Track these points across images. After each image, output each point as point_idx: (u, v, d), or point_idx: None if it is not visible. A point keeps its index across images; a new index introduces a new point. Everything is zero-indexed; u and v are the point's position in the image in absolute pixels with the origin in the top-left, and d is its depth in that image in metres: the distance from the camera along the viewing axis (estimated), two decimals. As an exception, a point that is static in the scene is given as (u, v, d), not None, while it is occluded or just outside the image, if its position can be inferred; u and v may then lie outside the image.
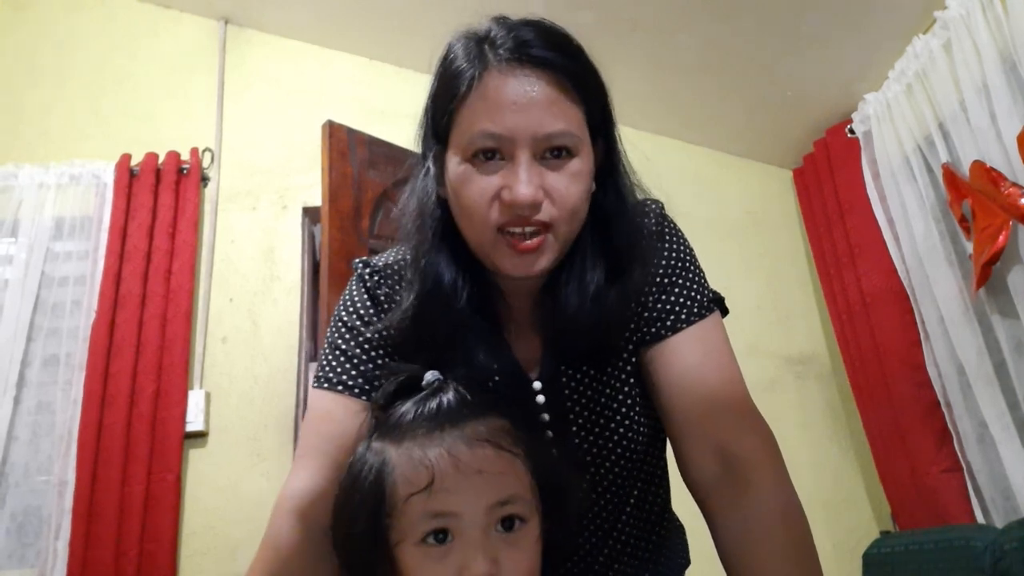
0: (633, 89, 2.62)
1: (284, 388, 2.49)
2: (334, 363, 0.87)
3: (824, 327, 2.77)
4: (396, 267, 0.90)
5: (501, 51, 0.76)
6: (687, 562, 1.00)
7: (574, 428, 0.86)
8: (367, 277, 0.90)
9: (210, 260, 2.62)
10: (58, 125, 2.75)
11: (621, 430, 0.86)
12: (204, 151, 2.72)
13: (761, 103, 2.71)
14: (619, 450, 0.86)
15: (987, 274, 2.00)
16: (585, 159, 0.78)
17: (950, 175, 2.13)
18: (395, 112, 2.66)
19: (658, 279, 0.87)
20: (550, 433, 0.86)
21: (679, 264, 0.88)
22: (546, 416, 0.86)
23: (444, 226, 0.82)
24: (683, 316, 0.85)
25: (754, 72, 2.58)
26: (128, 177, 2.57)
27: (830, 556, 2.27)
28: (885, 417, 2.36)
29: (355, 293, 0.91)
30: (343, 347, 0.88)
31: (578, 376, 0.86)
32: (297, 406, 2.47)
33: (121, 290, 2.42)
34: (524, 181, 0.73)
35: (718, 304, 0.90)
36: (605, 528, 0.89)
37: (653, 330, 0.86)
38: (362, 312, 0.88)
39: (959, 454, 2.16)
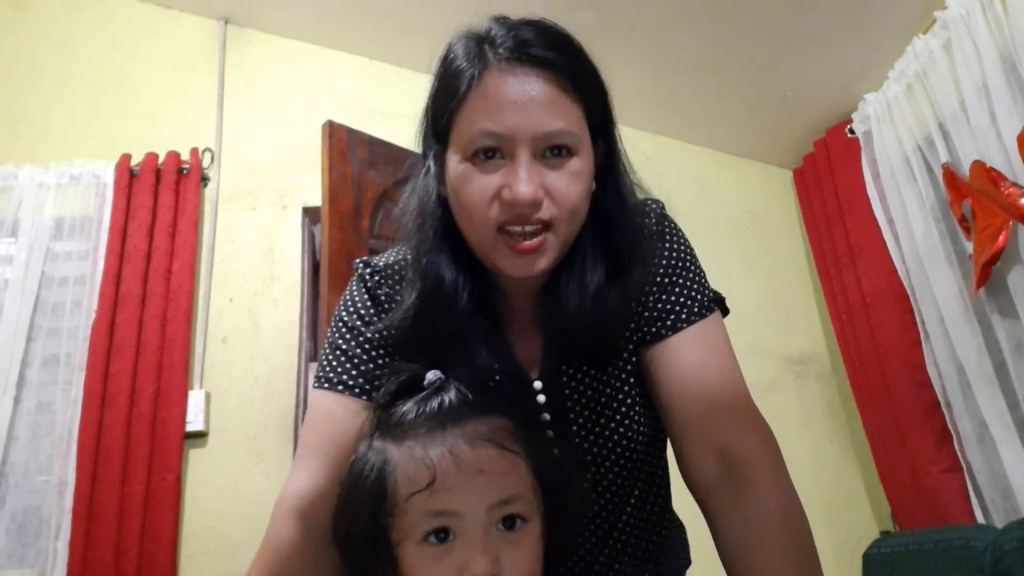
0: (633, 89, 2.63)
1: (284, 388, 2.49)
2: (335, 363, 0.87)
3: (824, 327, 2.77)
4: (397, 267, 0.90)
5: (501, 50, 0.76)
6: (688, 562, 1.00)
7: (574, 428, 0.86)
8: (368, 277, 0.90)
9: (210, 260, 2.62)
10: (58, 125, 2.75)
11: (621, 430, 0.86)
12: (204, 151, 2.72)
13: (761, 103, 2.71)
14: (619, 450, 0.86)
15: (987, 274, 2.00)
16: (585, 158, 0.78)
17: (950, 175, 2.13)
18: (395, 112, 2.66)
19: (659, 279, 0.87)
20: (550, 433, 0.86)
21: (680, 264, 0.88)
22: (547, 416, 0.86)
23: (445, 225, 0.82)
24: (683, 316, 0.85)
25: (754, 72, 2.58)
26: (128, 177, 2.57)
27: (830, 556, 2.27)
28: (885, 417, 2.36)
29: (356, 293, 0.91)
30: (344, 347, 0.88)
31: (579, 376, 0.86)
32: (297, 406, 2.47)
33: (121, 290, 2.42)
34: (524, 180, 0.73)
35: (719, 304, 0.90)
36: (606, 528, 0.89)
37: (654, 330, 0.86)
38: (363, 312, 0.88)
39: (959, 454, 2.16)
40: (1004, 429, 1.99)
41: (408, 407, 0.72)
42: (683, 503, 0.90)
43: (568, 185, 0.76)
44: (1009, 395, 2.00)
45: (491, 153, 0.75)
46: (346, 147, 2.25)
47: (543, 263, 0.77)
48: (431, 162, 0.83)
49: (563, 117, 0.75)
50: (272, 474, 2.35)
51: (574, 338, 0.83)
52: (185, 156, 2.66)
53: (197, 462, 2.37)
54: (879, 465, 2.42)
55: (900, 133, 2.39)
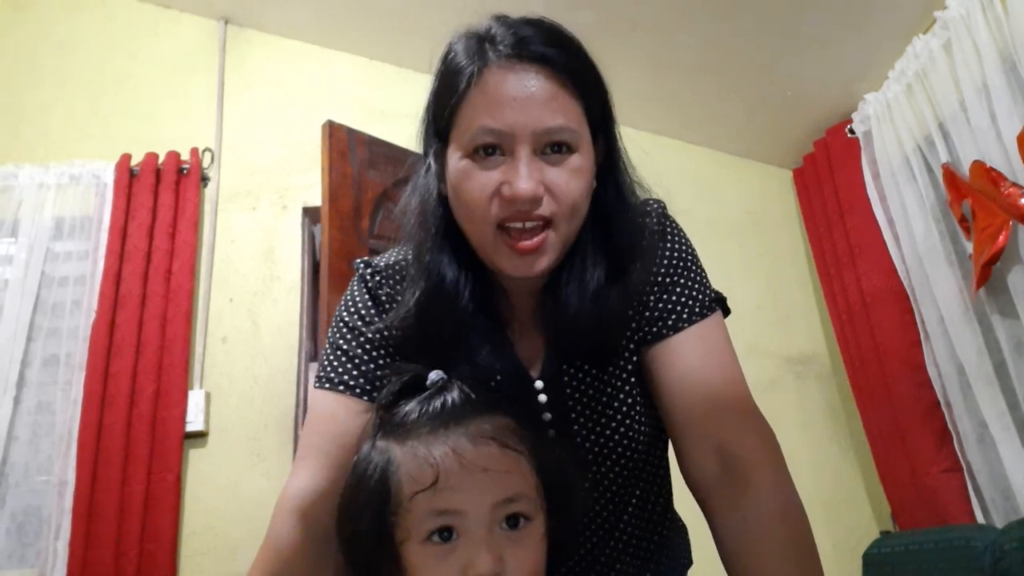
0: (633, 89, 2.63)
1: (284, 388, 2.49)
2: (335, 363, 0.87)
3: (824, 327, 2.77)
4: (398, 267, 0.90)
5: (501, 47, 0.76)
6: (689, 562, 1.00)
7: (576, 427, 0.86)
8: (368, 277, 0.90)
9: (210, 260, 2.62)
10: (58, 125, 2.75)
11: (623, 429, 0.86)
12: (204, 151, 2.72)
13: (761, 103, 2.71)
14: (620, 449, 0.86)
15: (987, 274, 2.00)
16: (585, 155, 0.78)
17: (950, 175, 2.13)
18: (395, 112, 2.66)
19: (660, 278, 0.87)
20: (552, 432, 0.86)
21: (681, 264, 0.88)
22: (548, 415, 0.86)
23: (446, 224, 0.82)
24: (684, 315, 0.85)
25: (754, 72, 2.58)
26: (128, 177, 2.57)
27: (830, 556, 2.26)
28: (885, 417, 2.36)
29: (356, 293, 0.91)
30: (344, 347, 0.88)
31: (580, 376, 0.86)
32: (297, 406, 2.47)
33: (121, 290, 2.42)
34: (524, 176, 0.73)
35: (720, 304, 0.90)
36: (607, 528, 0.89)
37: (655, 329, 0.86)
38: (363, 312, 0.88)
39: (959, 454, 2.16)
40: (1004, 429, 1.99)
41: (411, 407, 0.72)
42: (685, 503, 0.90)
43: (568, 181, 0.76)
44: (1009, 395, 2.00)
45: (491, 150, 0.75)
46: (346, 147, 2.25)
47: (543, 263, 0.77)
48: (432, 160, 0.83)
49: (563, 114, 0.75)
50: (272, 474, 2.35)
51: (575, 338, 0.83)
52: (185, 156, 2.66)
53: (197, 462, 2.37)
54: (879, 465, 2.42)
55: (900, 133, 2.39)
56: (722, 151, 2.99)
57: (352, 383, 0.86)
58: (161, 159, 2.63)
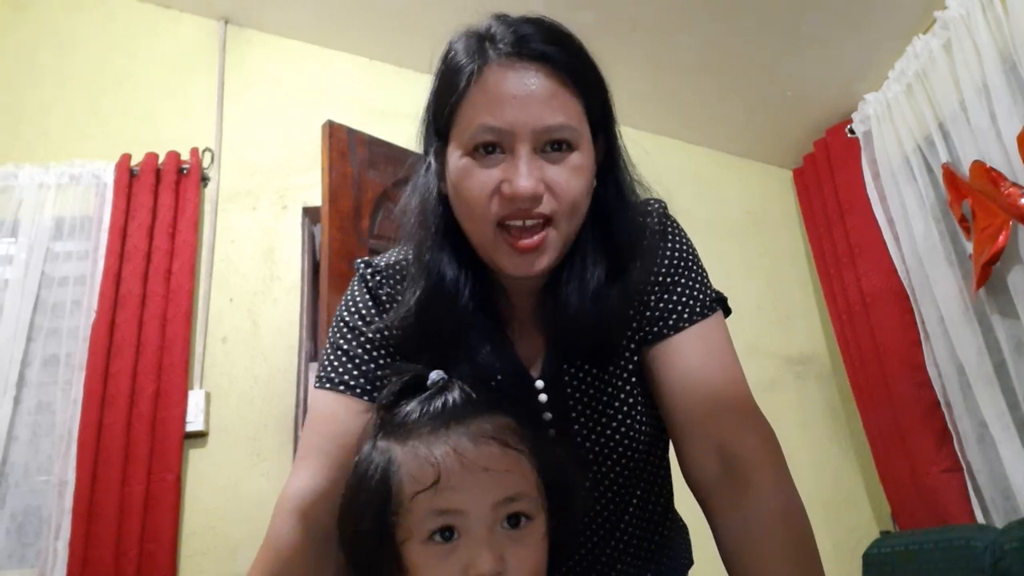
0: (633, 89, 2.62)
1: (284, 388, 2.49)
2: (336, 363, 0.87)
3: (824, 327, 2.77)
4: (398, 267, 0.90)
5: (501, 46, 0.76)
6: (690, 562, 1.00)
7: (576, 427, 0.86)
8: (369, 277, 0.90)
9: (210, 260, 2.62)
10: (58, 125, 2.75)
11: (623, 429, 0.86)
12: (204, 151, 2.72)
13: (761, 103, 2.71)
14: (621, 449, 0.86)
15: (987, 274, 2.00)
16: (585, 153, 0.78)
17: (950, 175, 2.13)
18: (395, 112, 2.66)
19: (661, 278, 0.87)
20: (552, 432, 0.86)
21: (682, 263, 0.88)
22: (548, 415, 0.86)
23: (446, 223, 0.82)
24: (685, 315, 0.85)
25: (754, 72, 2.58)
26: (128, 177, 2.57)
27: (830, 556, 2.26)
28: (885, 417, 2.36)
29: (357, 293, 0.91)
30: (345, 347, 0.88)
31: (580, 375, 0.86)
32: (297, 406, 2.47)
33: (121, 290, 2.42)
34: (524, 174, 0.73)
35: (721, 304, 0.90)
36: (608, 527, 0.89)
37: (655, 329, 0.86)
38: (364, 312, 0.88)
39: (959, 454, 2.16)
40: (1004, 429, 1.99)
41: (412, 407, 0.72)
42: (686, 503, 0.90)
43: (568, 179, 0.76)
44: (1009, 395, 2.00)
45: (491, 148, 0.75)
46: (346, 147, 2.25)
47: (544, 262, 0.77)
48: (432, 159, 0.84)
49: (563, 112, 0.75)
50: (272, 474, 2.35)
51: (575, 337, 0.83)
52: (185, 156, 2.66)
53: (197, 462, 2.37)
54: (879, 465, 2.42)
55: (900, 133, 2.39)
56: (722, 151, 2.99)
57: (352, 383, 0.86)
58: (161, 159, 2.63)
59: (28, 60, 2.83)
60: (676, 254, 0.88)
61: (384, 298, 0.89)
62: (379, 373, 0.85)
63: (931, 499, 2.17)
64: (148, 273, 2.46)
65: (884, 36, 2.34)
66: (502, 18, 0.79)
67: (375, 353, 0.87)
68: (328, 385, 0.87)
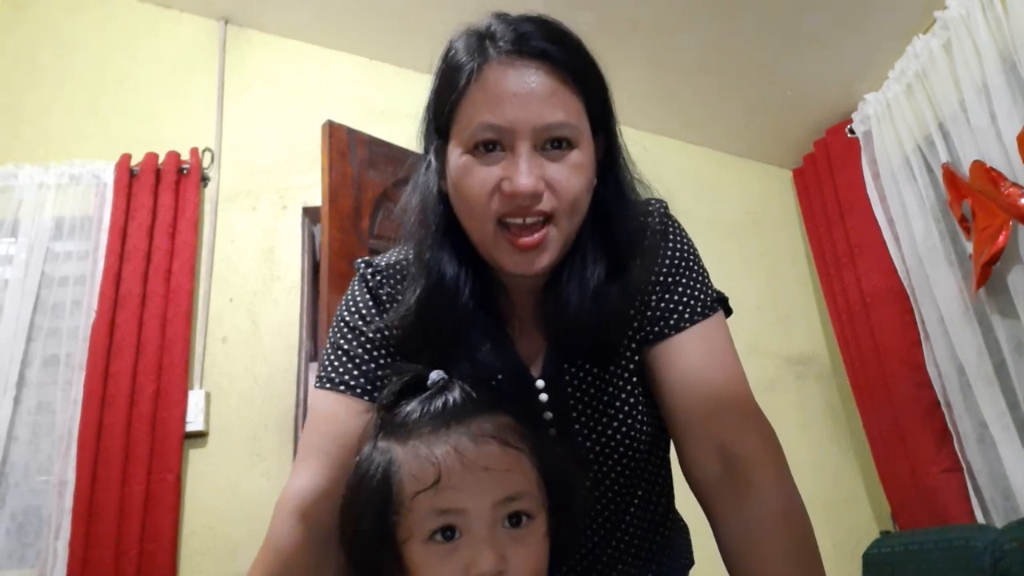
0: (633, 89, 2.62)
1: (284, 388, 2.49)
2: (336, 363, 0.87)
3: (824, 327, 2.77)
4: (399, 267, 0.90)
5: (501, 44, 0.76)
6: (691, 562, 1.00)
7: (577, 427, 0.86)
8: (369, 277, 0.90)
9: (210, 260, 2.62)
10: (58, 125, 2.75)
11: (624, 429, 0.86)
12: (204, 151, 2.72)
13: (761, 103, 2.71)
14: (622, 449, 0.86)
15: (987, 274, 2.00)
16: (586, 151, 0.78)
17: (950, 175, 2.13)
18: (395, 112, 2.66)
19: (662, 278, 0.87)
20: (553, 432, 0.85)
21: (683, 263, 0.88)
22: (549, 414, 0.86)
23: (446, 221, 0.82)
24: (686, 315, 0.85)
25: (754, 72, 2.58)
26: (128, 177, 2.57)
27: (830, 556, 2.24)
28: (885, 417, 2.36)
29: (357, 293, 0.91)
30: (345, 347, 0.88)
31: (581, 375, 0.86)
32: (297, 406, 2.47)
33: (121, 290, 2.42)
34: (524, 172, 0.73)
35: (722, 304, 0.90)
36: (609, 527, 0.89)
37: (656, 329, 0.86)
38: (364, 312, 0.88)
39: (959, 454, 2.16)
40: (1004, 429, 1.99)
41: (412, 407, 0.72)
42: (687, 503, 0.90)
43: (569, 177, 0.76)
44: (1009, 395, 2.00)
45: (491, 146, 0.75)
46: (346, 147, 2.25)
47: (545, 260, 0.77)
48: (432, 157, 0.84)
49: (563, 109, 0.75)
50: (272, 474, 2.35)
51: (576, 336, 0.83)
52: (185, 156, 2.66)
53: (197, 462, 2.37)
54: (879, 465, 2.42)
55: (900, 133, 2.39)
56: (722, 151, 2.99)
57: (353, 383, 0.86)
58: (161, 159, 2.63)
59: (28, 60, 2.83)
60: (677, 254, 0.88)
61: (385, 298, 0.88)
62: (379, 373, 0.85)
63: (931, 499, 2.17)
64: (148, 273, 2.46)
65: (884, 36, 2.34)
66: (502, 17, 0.80)
67: (375, 353, 0.87)
68: (328, 385, 0.87)
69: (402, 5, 2.62)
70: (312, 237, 2.76)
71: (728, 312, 0.91)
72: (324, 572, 0.80)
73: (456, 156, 0.77)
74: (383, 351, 0.87)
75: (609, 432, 0.86)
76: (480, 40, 0.78)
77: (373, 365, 0.86)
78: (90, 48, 2.86)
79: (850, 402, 2.58)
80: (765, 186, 2.98)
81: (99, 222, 2.55)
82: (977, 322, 2.09)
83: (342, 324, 0.89)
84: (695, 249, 0.91)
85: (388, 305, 0.88)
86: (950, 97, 2.14)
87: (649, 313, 0.86)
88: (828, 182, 2.66)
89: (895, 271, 2.39)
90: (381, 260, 0.92)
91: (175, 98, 2.83)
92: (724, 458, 0.79)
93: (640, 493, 0.90)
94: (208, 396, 2.44)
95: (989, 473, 2.07)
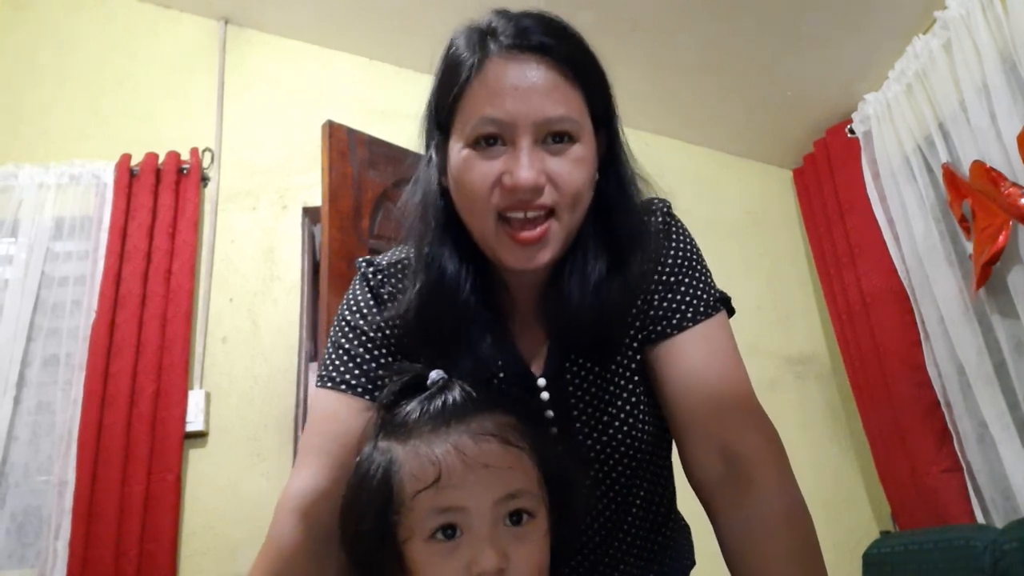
0: (633, 89, 2.59)
1: (284, 388, 2.49)
2: (337, 362, 0.87)
3: (824, 327, 2.77)
4: (400, 266, 0.90)
5: (502, 39, 0.76)
6: (692, 563, 1.00)
7: (578, 425, 0.86)
8: (371, 276, 0.90)
9: (210, 260, 2.62)
10: (58, 125, 2.75)
11: (625, 428, 0.86)
12: (204, 151, 2.72)
13: (761, 103, 2.71)
14: (624, 448, 0.86)
15: (987, 274, 2.00)
16: (587, 145, 0.78)
17: (950, 175, 2.13)
18: (395, 112, 2.66)
19: (664, 277, 0.87)
20: (554, 430, 0.85)
21: (685, 263, 0.88)
22: (550, 413, 0.86)
23: (447, 216, 0.82)
24: (689, 315, 0.85)
25: (754, 72, 2.58)
26: (128, 177, 2.57)
27: (830, 556, 2.25)
28: (885, 417, 2.36)
29: (358, 292, 0.91)
30: (346, 346, 0.88)
31: (582, 373, 0.86)
32: (297, 406, 2.47)
33: (121, 290, 2.42)
34: (525, 165, 0.73)
35: (724, 304, 0.90)
36: (610, 527, 0.89)
37: (659, 328, 0.85)
38: (365, 311, 0.88)
39: (959, 454, 2.16)
40: (1004, 429, 1.99)
41: (412, 406, 0.72)
42: (688, 503, 0.90)
43: (571, 171, 0.75)
44: (1009, 395, 2.00)
45: (492, 140, 0.75)
46: (346, 147, 2.25)
47: (546, 255, 0.77)
48: (433, 152, 0.83)
49: (564, 103, 0.75)
50: (272, 474, 2.35)
51: (577, 332, 0.82)
52: (185, 156, 2.66)
53: (197, 462, 2.37)
54: (879, 465, 2.42)
55: (900, 133, 2.39)
56: (722, 151, 3.00)
57: (354, 382, 0.86)
58: (161, 159, 2.63)
59: (28, 60, 2.83)
60: (680, 253, 0.88)
61: (386, 297, 0.88)
62: (380, 372, 0.85)
63: (931, 499, 2.17)
64: (148, 273, 2.46)
65: (884, 36, 2.34)
66: (503, 13, 0.80)
67: (376, 352, 0.87)
68: (329, 384, 0.86)
69: (402, 5, 2.62)
70: (312, 237, 2.76)
71: (731, 312, 0.91)
72: (325, 572, 0.80)
73: (457, 151, 0.77)
74: (384, 350, 0.87)
75: (610, 431, 0.86)
76: (481, 35, 0.78)
77: (374, 364, 0.86)
78: (90, 48, 2.86)
79: (850, 402, 2.58)
80: (765, 186, 2.98)
81: (99, 222, 2.55)
82: (977, 322, 2.09)
83: (343, 323, 0.89)
84: (698, 249, 0.91)
85: (389, 304, 0.88)
86: (950, 97, 2.14)
87: (652, 312, 0.86)
88: (828, 182, 2.66)
89: (895, 271, 2.39)
90: (382, 259, 0.92)
91: (175, 98, 2.83)
92: (726, 458, 0.79)
93: (642, 493, 0.90)
94: (208, 396, 2.44)
95: (989, 473, 2.07)
